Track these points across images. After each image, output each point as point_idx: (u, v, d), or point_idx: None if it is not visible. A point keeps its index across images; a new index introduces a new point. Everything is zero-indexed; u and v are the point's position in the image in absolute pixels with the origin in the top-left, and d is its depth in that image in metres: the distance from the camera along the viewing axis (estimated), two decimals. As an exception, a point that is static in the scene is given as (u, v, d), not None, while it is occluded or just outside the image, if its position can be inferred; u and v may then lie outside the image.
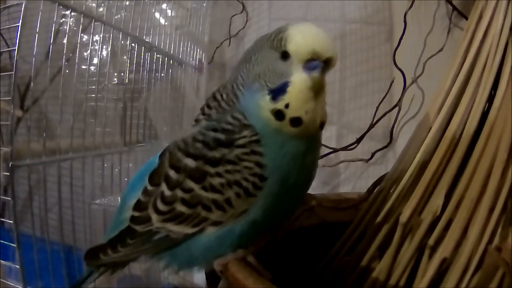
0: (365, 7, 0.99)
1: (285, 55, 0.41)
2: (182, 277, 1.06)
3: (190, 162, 0.43)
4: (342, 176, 1.00)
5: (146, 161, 0.52)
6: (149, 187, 0.46)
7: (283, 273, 0.53)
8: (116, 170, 0.97)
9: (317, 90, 0.41)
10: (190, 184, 0.43)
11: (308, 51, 0.39)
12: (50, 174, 0.84)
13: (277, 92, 0.40)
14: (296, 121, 0.40)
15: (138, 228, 0.46)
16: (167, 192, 0.44)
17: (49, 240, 0.81)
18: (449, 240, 0.45)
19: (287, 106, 0.40)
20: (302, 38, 0.40)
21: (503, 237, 0.43)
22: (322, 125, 0.43)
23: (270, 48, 0.42)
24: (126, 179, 0.97)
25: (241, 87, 0.44)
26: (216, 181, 0.42)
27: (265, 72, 0.42)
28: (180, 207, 0.44)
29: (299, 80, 0.40)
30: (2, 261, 0.74)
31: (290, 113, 0.40)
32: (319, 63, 0.39)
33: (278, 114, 0.40)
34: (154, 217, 0.45)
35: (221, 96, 0.46)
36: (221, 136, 0.42)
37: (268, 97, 0.41)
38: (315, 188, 0.49)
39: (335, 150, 0.93)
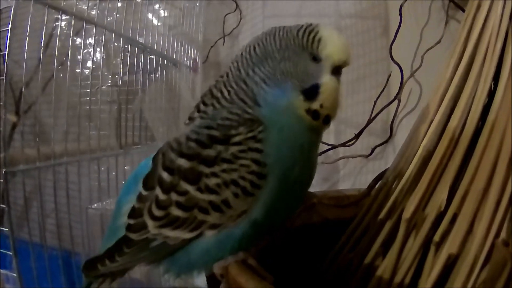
0: (360, 1, 0.98)
1: (316, 58, 0.42)
2: (184, 279, 1.05)
3: (183, 163, 0.42)
4: (342, 172, 0.99)
5: (143, 163, 0.51)
6: (144, 192, 0.45)
7: (285, 273, 0.52)
8: (113, 173, 0.96)
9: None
10: (185, 186, 0.41)
11: (341, 59, 0.42)
12: (47, 179, 0.83)
13: (311, 92, 0.42)
14: (328, 119, 0.43)
15: (134, 236, 0.45)
16: (162, 196, 0.43)
17: (46, 245, 0.80)
18: (456, 235, 0.44)
19: (321, 106, 0.42)
20: (337, 46, 0.42)
21: (510, 231, 0.43)
22: None
23: (298, 46, 0.42)
24: (123, 182, 0.96)
25: (263, 84, 0.43)
26: (211, 181, 0.41)
27: (296, 72, 0.43)
28: (176, 211, 0.42)
29: (330, 83, 0.42)
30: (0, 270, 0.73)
31: (324, 113, 0.42)
32: (341, 68, 0.43)
33: (315, 114, 0.42)
34: (150, 223, 0.44)
35: (221, 93, 0.44)
36: (215, 133, 0.41)
37: (302, 97, 0.42)
38: (315, 185, 0.49)
39: (334, 147, 0.92)
